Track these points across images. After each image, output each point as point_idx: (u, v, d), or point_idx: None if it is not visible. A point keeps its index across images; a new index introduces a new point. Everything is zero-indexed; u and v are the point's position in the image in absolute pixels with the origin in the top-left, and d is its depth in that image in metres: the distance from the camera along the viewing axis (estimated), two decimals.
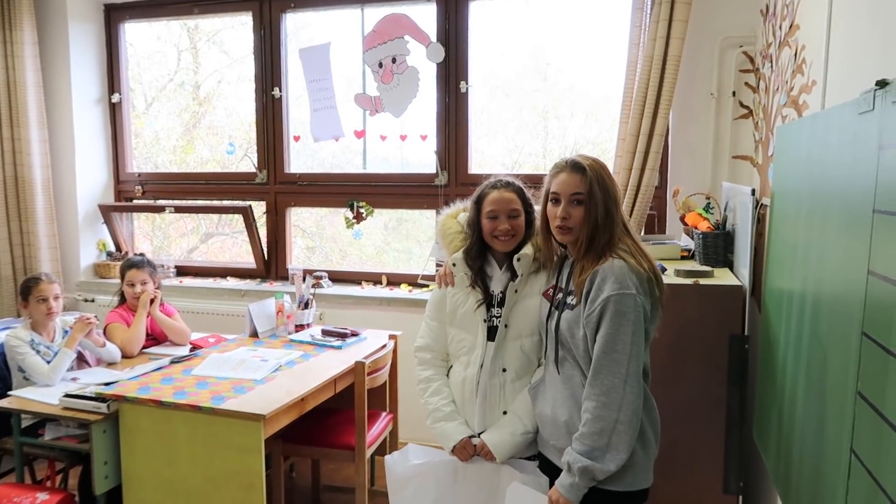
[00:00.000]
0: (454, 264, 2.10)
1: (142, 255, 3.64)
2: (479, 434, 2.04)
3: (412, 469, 2.10)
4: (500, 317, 2.03)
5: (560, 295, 1.89)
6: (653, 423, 1.82)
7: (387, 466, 2.15)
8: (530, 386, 2.00)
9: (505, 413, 2.03)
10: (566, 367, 1.85)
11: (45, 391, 2.73)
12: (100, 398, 2.53)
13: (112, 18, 4.48)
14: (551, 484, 1.83)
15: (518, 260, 2.01)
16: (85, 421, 2.51)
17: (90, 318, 2.98)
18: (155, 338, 3.40)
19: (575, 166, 1.83)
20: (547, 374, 1.93)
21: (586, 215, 1.80)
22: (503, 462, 2.00)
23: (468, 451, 2.02)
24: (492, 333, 2.04)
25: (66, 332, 3.02)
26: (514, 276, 2.03)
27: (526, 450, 2.03)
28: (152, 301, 3.33)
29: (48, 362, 2.87)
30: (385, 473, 2.18)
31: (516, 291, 2.03)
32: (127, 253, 4.53)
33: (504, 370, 2.03)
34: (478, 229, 2.06)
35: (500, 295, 2.05)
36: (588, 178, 1.79)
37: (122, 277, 3.38)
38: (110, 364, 3.11)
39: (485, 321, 2.05)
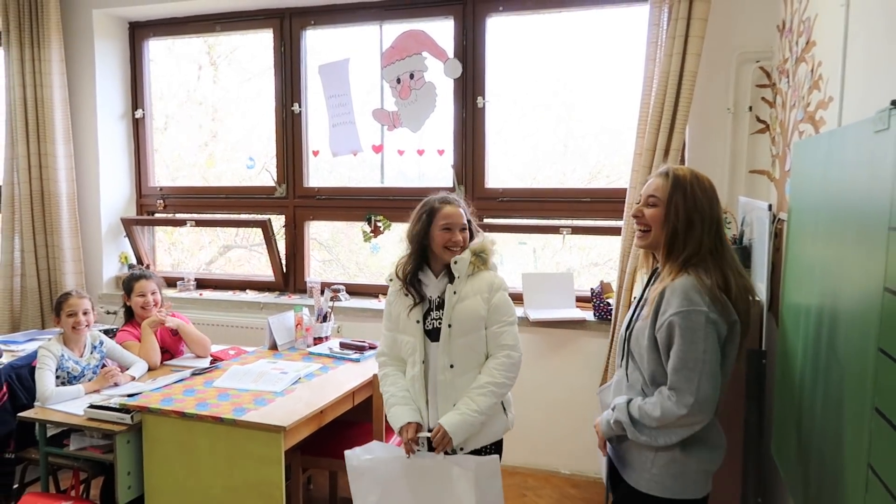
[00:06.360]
0: (391, 280, 2.34)
1: (147, 267, 3.63)
2: (431, 430, 2.21)
3: (365, 463, 2.29)
4: (440, 319, 2.24)
5: (639, 306, 1.95)
6: (719, 435, 1.91)
7: (346, 459, 2.32)
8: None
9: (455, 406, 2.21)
10: (633, 373, 1.92)
11: (71, 403, 2.77)
12: (124, 409, 2.58)
13: (136, 36, 4.59)
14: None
15: (455, 263, 2.23)
16: (109, 432, 2.56)
17: (115, 372, 2.98)
18: (168, 351, 3.40)
19: (663, 172, 1.91)
20: (616, 377, 2.03)
21: (664, 219, 1.84)
22: (448, 456, 2.18)
23: (410, 432, 2.20)
24: (435, 335, 2.25)
25: (94, 347, 3.08)
26: (451, 280, 2.25)
27: (479, 434, 2.21)
28: (161, 315, 3.30)
29: (73, 377, 2.94)
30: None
31: (455, 293, 2.23)
32: (149, 265, 4.60)
33: (452, 366, 2.21)
34: (423, 240, 2.25)
35: (438, 299, 2.26)
36: (670, 184, 1.85)
37: (129, 293, 3.35)
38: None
39: (418, 322, 2.26)
